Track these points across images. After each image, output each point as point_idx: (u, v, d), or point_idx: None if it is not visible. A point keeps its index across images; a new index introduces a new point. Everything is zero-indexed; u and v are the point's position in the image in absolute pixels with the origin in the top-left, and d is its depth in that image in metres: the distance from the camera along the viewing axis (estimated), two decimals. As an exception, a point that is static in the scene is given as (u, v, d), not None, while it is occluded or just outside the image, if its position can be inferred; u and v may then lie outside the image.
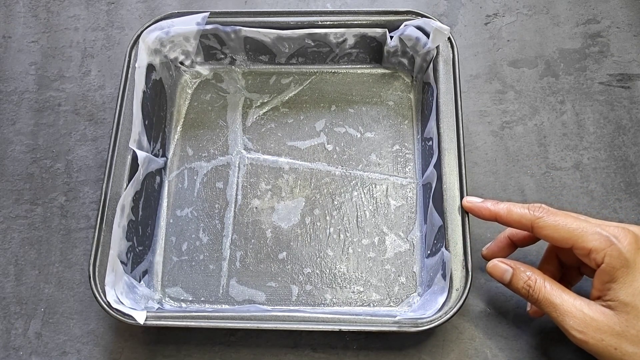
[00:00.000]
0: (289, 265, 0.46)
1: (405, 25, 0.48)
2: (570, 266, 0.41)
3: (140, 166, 0.45)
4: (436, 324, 0.39)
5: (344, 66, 0.53)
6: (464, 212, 0.41)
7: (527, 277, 0.38)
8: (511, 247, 0.42)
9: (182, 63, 0.52)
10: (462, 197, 0.42)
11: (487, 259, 0.43)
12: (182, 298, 0.45)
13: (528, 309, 0.43)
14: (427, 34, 0.47)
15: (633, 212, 0.47)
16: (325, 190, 0.48)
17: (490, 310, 0.44)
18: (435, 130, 0.45)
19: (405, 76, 0.52)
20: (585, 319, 0.35)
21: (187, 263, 0.46)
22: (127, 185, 0.43)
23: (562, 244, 0.37)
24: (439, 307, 0.40)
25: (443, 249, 0.41)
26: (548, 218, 0.37)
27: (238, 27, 0.49)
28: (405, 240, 0.46)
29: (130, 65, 0.47)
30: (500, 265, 0.40)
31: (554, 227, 0.37)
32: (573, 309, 0.36)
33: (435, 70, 0.47)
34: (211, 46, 0.51)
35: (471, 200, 0.41)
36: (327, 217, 0.47)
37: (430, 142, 0.46)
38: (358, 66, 0.53)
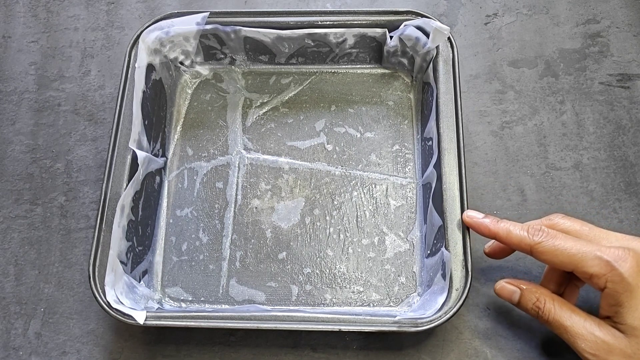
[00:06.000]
0: (289, 265, 0.46)
1: (405, 25, 0.48)
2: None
3: (140, 166, 0.45)
4: (436, 324, 0.39)
5: (344, 66, 0.53)
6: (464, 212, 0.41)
7: (536, 298, 0.38)
8: None
9: (182, 63, 0.52)
10: (462, 197, 0.42)
11: (490, 256, 0.43)
12: (182, 298, 0.45)
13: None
14: (427, 34, 0.47)
15: (633, 212, 0.47)
16: (325, 190, 0.48)
17: (490, 310, 0.44)
18: (435, 130, 0.45)
19: (405, 76, 0.52)
20: (597, 342, 0.35)
21: (187, 263, 0.46)
22: (127, 185, 0.43)
23: (563, 268, 0.37)
24: (439, 307, 0.40)
25: (443, 248, 0.41)
26: (547, 242, 0.37)
27: (238, 27, 0.49)
28: (405, 240, 0.46)
29: (130, 65, 0.47)
30: (507, 287, 0.40)
31: (553, 253, 0.36)
32: (584, 332, 0.36)
33: (435, 70, 0.47)
34: (211, 46, 0.51)
35: (471, 216, 0.41)
36: (327, 217, 0.47)
37: (430, 142, 0.46)
38: (358, 66, 0.53)
